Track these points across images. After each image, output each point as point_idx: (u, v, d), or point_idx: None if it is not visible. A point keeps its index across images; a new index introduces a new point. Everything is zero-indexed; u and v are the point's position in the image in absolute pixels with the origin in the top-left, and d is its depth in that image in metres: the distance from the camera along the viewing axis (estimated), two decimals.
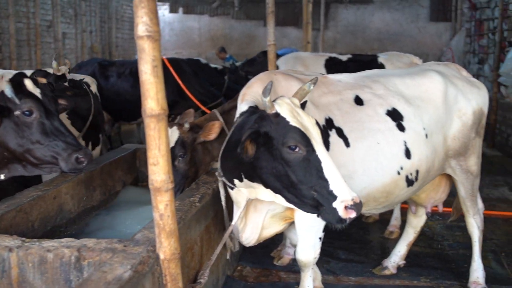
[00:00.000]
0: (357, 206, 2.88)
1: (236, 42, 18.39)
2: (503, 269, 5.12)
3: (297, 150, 2.99)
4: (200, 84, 8.23)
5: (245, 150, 3.05)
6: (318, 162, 2.97)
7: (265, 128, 3.07)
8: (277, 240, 5.23)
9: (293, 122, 3.03)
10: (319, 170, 2.95)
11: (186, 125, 4.40)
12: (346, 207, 2.87)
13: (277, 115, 3.06)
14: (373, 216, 6.35)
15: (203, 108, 7.20)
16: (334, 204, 2.89)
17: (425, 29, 17.42)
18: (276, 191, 3.18)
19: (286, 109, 3.07)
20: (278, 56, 7.52)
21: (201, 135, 4.46)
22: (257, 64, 9.14)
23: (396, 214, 5.97)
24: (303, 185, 2.99)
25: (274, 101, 3.13)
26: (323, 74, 4.29)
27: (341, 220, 2.91)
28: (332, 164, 2.98)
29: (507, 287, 4.74)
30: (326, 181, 2.93)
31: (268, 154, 3.07)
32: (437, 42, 17.21)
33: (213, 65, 9.25)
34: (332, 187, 2.92)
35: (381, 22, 17.64)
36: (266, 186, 3.21)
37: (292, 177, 3.01)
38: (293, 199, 3.12)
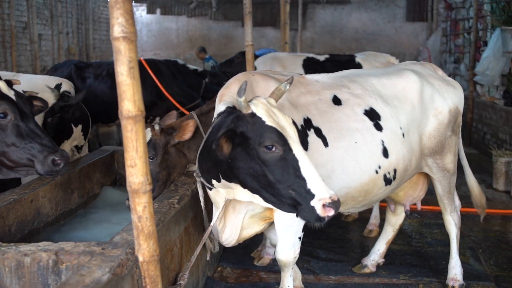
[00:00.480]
0: (335, 204, 2.89)
1: (214, 42, 18.36)
2: (481, 265, 5.19)
3: (273, 149, 2.99)
4: (178, 85, 8.19)
5: (220, 148, 3.04)
6: (295, 161, 2.97)
7: (241, 128, 3.07)
8: (257, 241, 5.24)
9: (269, 122, 3.03)
10: (296, 169, 2.96)
11: (157, 127, 4.32)
12: (324, 205, 2.88)
13: (253, 115, 3.06)
14: (353, 215, 6.39)
15: (181, 109, 7.16)
16: (312, 203, 2.90)
17: (401, 29, 17.58)
18: (253, 191, 3.19)
19: (262, 109, 3.07)
20: (256, 56, 7.54)
21: (175, 136, 4.39)
22: (236, 64, 9.14)
23: (375, 212, 6.02)
24: (280, 184, 3.00)
25: (250, 101, 3.13)
26: (301, 74, 4.30)
27: (320, 218, 2.91)
28: (309, 162, 2.99)
29: (485, 283, 4.81)
30: (303, 179, 2.94)
31: (245, 154, 3.07)
32: (414, 41, 17.38)
33: (192, 67, 9.20)
34: (309, 185, 2.93)
35: (358, 22, 17.76)
36: (244, 186, 3.21)
37: (269, 177, 3.02)
38: (271, 199, 3.13)
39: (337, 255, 5.36)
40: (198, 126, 4.48)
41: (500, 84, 10.54)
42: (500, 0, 10.94)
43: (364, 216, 6.22)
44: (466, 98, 4.69)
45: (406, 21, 17.59)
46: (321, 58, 7.42)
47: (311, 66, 7.17)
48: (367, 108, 4.01)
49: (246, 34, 5.74)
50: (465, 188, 7.68)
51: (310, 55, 7.62)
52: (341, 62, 7.05)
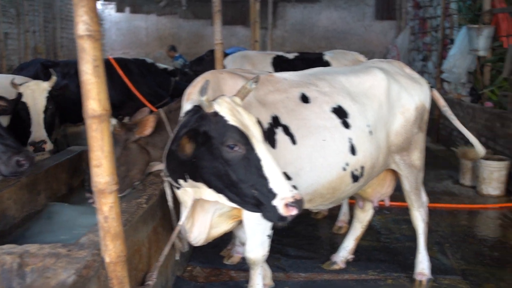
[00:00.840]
0: (298, 203, 2.89)
1: (184, 41, 18.27)
2: (448, 259, 5.28)
3: (236, 149, 2.99)
4: (147, 84, 8.13)
5: (181, 148, 3.03)
6: (257, 160, 2.98)
7: (204, 127, 3.07)
8: (227, 239, 5.23)
9: (231, 121, 3.03)
10: (259, 168, 2.96)
11: (113, 122, 4.18)
12: (286, 205, 2.88)
13: (215, 114, 3.06)
14: (322, 212, 6.43)
15: (151, 107, 7.11)
16: (274, 202, 2.90)
17: (371, 27, 17.75)
18: (218, 190, 3.19)
19: (225, 107, 3.07)
20: (226, 55, 7.52)
21: (136, 132, 4.28)
22: (205, 63, 9.11)
23: (345, 209, 6.07)
24: (243, 183, 3.00)
25: (214, 100, 3.12)
26: (271, 73, 4.30)
27: (282, 218, 2.91)
28: (273, 162, 2.99)
29: (451, 277, 4.89)
30: (265, 179, 2.94)
31: (208, 153, 3.07)
32: (383, 40, 17.57)
33: (162, 65, 9.13)
34: (271, 185, 2.93)
35: (328, 20, 17.87)
36: (209, 185, 3.21)
37: (232, 176, 3.02)
38: (235, 198, 3.13)
39: (307, 252, 5.38)
40: (162, 123, 4.42)
41: (467, 82, 10.71)
42: None
43: (334, 213, 6.26)
44: None
45: (375, 20, 17.78)
46: (291, 56, 7.43)
47: (280, 64, 7.17)
48: (335, 106, 4.03)
49: (215, 33, 5.72)
50: (433, 184, 7.91)
51: (280, 53, 7.62)
52: (310, 60, 7.06)
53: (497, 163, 7.58)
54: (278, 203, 2.90)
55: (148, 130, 4.27)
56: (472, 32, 9.99)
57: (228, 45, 15.26)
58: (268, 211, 2.95)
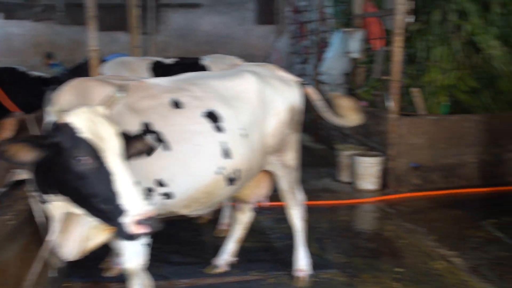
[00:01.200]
0: (150, 220, 2.83)
1: (64, 48, 17.55)
2: (327, 254, 5.50)
3: (85, 162, 2.91)
4: (19, 93, 7.73)
5: (12, 155, 2.84)
6: (108, 174, 2.90)
7: (56, 139, 2.96)
8: (108, 251, 5.08)
9: (82, 133, 2.94)
10: (109, 182, 2.88)
11: None
12: (136, 222, 2.81)
13: (66, 125, 2.97)
14: (205, 217, 6.43)
15: (24, 117, 6.78)
16: (123, 219, 2.83)
17: (251, 31, 18.04)
18: (77, 204, 3.09)
19: (80, 118, 2.97)
20: (105, 61, 7.32)
21: None
22: (84, 70, 8.78)
23: (226, 212, 6.11)
24: (94, 198, 2.92)
25: (71, 110, 3.02)
26: (143, 78, 4.25)
27: (131, 236, 2.85)
28: (126, 176, 2.92)
29: (331, 271, 5.12)
30: (115, 194, 2.86)
31: (60, 166, 2.96)
32: (264, 44, 17.88)
33: (36, 73, 8.72)
34: (121, 201, 2.85)
35: (210, 25, 17.94)
36: (71, 199, 3.11)
37: (82, 190, 2.93)
38: (92, 212, 3.04)
39: (190, 258, 5.37)
40: (28, 128, 4.21)
41: (344, 83, 11.18)
42: (340, 3, 11.66)
43: (218, 216, 6.29)
44: None
45: (255, 24, 18.09)
46: (169, 61, 7.37)
47: (158, 70, 7.09)
48: (209, 111, 4.04)
49: (89, 39, 5.58)
50: (313, 182, 8.17)
51: (158, 58, 7.53)
52: (188, 65, 7.04)
53: (372, 159, 8.00)
54: (127, 220, 2.82)
55: (6, 133, 4.05)
56: (345, 35, 10.50)
57: (110, 51, 14.87)
58: (118, 228, 2.87)
